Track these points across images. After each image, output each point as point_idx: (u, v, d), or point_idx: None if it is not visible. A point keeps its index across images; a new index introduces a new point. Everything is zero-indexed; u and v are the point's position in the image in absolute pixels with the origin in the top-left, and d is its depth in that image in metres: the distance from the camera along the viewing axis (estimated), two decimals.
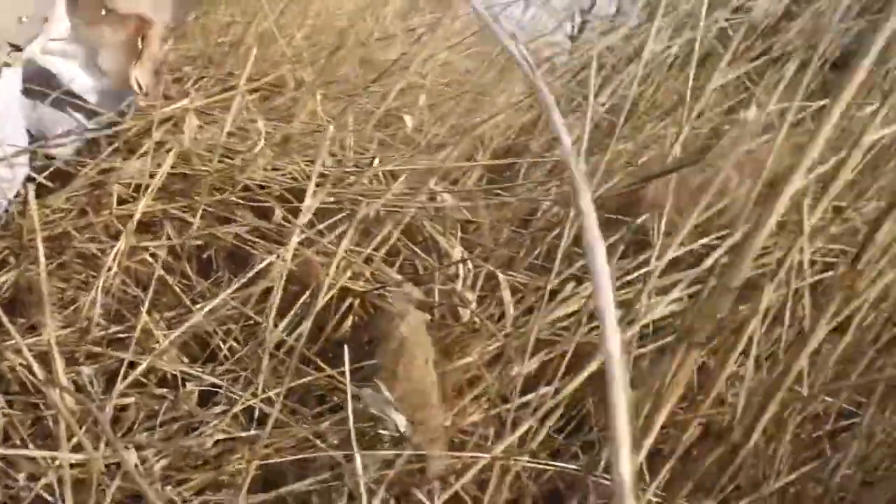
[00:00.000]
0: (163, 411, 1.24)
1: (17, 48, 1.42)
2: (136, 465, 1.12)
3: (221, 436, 1.15)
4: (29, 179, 1.49)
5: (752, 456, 0.91)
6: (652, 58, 1.81)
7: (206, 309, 1.33)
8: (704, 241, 1.41)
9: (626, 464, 0.23)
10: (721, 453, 0.85)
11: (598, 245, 0.28)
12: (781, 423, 0.99)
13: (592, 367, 0.98)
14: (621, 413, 0.24)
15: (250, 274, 1.39)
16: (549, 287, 1.30)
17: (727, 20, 1.71)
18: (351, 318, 1.60)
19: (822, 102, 1.51)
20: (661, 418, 0.75)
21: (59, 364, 0.97)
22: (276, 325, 1.33)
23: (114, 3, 1.49)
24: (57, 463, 1.01)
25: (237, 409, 1.19)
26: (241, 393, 1.24)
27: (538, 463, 1.03)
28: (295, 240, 1.27)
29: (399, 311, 1.13)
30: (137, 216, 1.38)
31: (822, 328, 0.82)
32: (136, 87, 1.53)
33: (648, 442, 0.75)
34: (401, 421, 1.16)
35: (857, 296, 0.90)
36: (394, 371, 1.14)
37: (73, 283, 1.49)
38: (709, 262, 1.12)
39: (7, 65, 1.40)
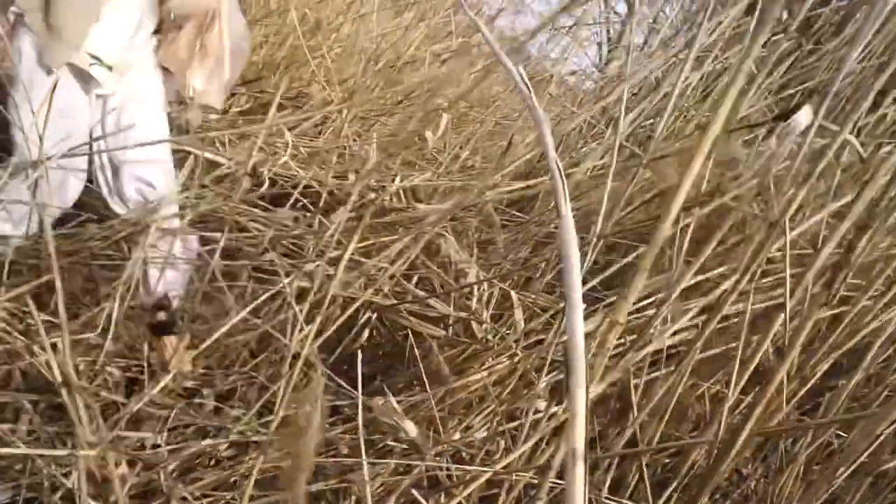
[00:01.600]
0: (178, 414, 1.27)
1: (98, 59, 1.46)
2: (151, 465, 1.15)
3: (235, 438, 1.17)
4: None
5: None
6: (673, 88, 1.83)
7: (229, 324, 1.35)
8: (721, 269, 1.42)
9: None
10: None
11: (573, 253, 0.31)
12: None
13: (597, 389, 0.99)
14: (580, 417, 0.26)
15: (272, 290, 1.42)
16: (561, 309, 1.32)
17: None
18: (368, 331, 1.62)
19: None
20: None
21: (69, 364, 1.01)
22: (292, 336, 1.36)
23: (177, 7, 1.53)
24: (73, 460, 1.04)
25: (251, 413, 1.22)
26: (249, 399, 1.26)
27: (535, 479, 1.03)
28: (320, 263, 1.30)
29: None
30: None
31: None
32: (190, 91, 1.57)
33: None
34: (412, 430, 1.17)
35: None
36: None
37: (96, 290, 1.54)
38: (717, 291, 1.12)
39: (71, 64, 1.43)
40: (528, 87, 0.42)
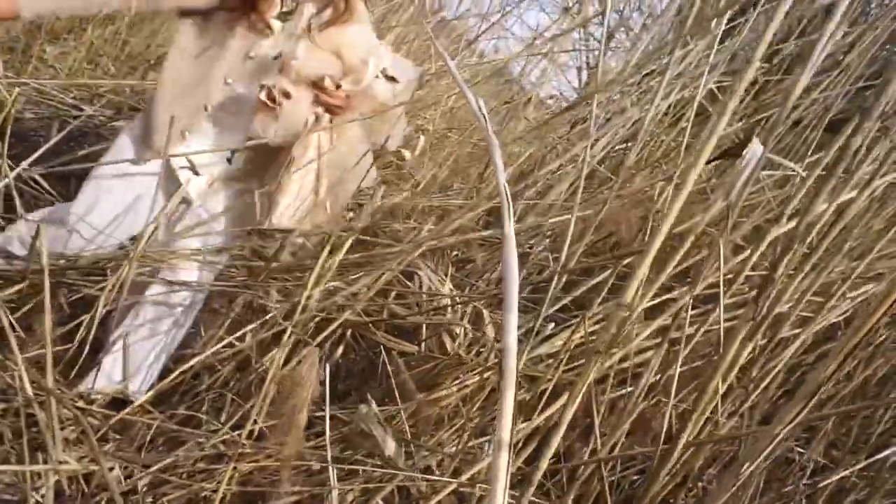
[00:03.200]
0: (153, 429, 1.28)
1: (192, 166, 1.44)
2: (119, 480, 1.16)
3: (206, 452, 1.19)
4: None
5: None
6: (644, 114, 1.90)
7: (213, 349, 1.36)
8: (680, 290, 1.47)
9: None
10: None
11: (512, 265, 0.34)
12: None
13: (563, 400, 1.02)
14: (507, 409, 0.29)
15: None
16: (535, 326, 1.35)
17: (717, 82, 1.80)
18: (343, 347, 1.65)
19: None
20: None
21: (50, 377, 1.02)
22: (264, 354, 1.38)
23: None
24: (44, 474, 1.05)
25: (225, 428, 1.23)
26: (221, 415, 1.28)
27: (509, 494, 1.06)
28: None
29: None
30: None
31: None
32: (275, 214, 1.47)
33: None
34: (390, 445, 1.19)
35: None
36: None
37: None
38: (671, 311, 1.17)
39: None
40: (480, 110, 0.46)
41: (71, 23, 2.37)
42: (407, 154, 1.58)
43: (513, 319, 0.32)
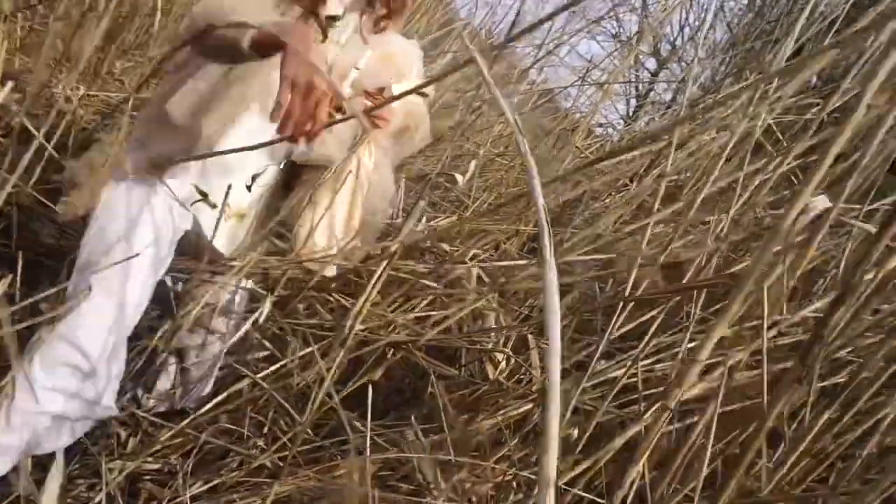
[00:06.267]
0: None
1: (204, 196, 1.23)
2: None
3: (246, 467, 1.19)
4: None
5: None
6: (699, 147, 1.87)
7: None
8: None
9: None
10: None
11: (553, 295, 0.33)
12: None
13: (618, 442, 1.00)
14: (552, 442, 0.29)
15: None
16: (588, 358, 1.33)
17: (774, 118, 1.77)
18: (385, 367, 1.65)
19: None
20: None
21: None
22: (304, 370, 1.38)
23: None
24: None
25: (269, 452, 1.24)
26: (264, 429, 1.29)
27: None
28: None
29: None
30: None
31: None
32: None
33: None
34: (429, 472, 1.18)
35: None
36: None
37: None
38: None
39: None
40: (521, 132, 0.45)
41: (138, 38, 2.46)
42: (459, 177, 1.58)
43: (556, 354, 0.31)
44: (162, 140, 1.22)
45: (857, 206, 1.58)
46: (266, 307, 1.30)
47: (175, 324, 1.24)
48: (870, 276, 0.83)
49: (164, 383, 1.35)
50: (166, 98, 1.21)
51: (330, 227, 1.35)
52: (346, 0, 1.32)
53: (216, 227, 1.25)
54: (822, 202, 0.86)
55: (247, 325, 1.32)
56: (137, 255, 1.10)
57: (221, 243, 1.31)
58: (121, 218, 1.14)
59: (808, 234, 0.89)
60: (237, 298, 1.39)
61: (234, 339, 1.37)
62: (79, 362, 1.04)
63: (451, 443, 1.28)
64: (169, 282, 1.31)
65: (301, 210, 1.32)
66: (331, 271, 1.37)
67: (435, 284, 1.44)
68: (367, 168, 1.34)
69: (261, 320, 1.33)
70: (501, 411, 1.31)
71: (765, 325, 0.92)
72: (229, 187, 1.22)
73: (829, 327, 0.71)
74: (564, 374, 1.49)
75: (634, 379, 1.12)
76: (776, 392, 0.75)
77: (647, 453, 0.96)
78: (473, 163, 1.71)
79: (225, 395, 1.25)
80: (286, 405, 1.25)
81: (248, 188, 1.28)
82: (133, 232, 1.13)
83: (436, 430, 1.33)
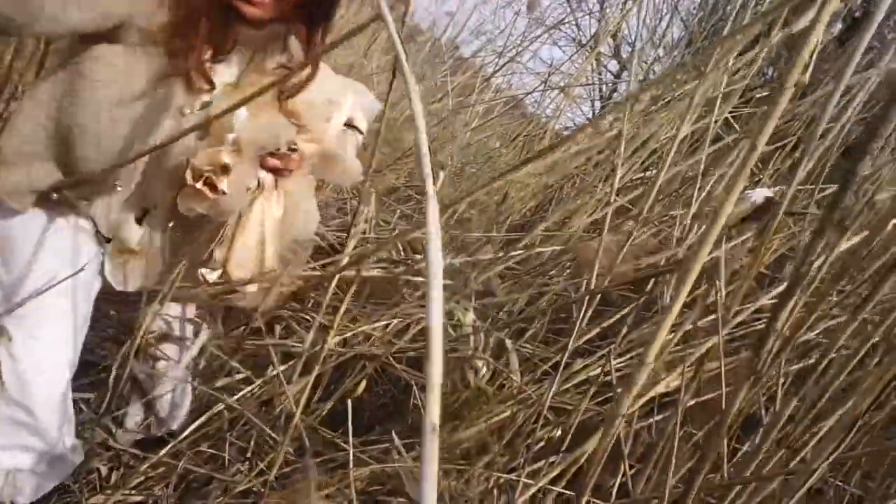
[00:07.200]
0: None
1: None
2: None
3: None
4: None
5: None
6: (662, 143, 1.90)
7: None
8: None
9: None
10: None
11: (433, 229, 0.34)
12: None
13: (591, 443, 1.01)
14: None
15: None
16: (562, 358, 1.34)
17: (732, 110, 1.81)
18: (366, 381, 1.64)
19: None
20: None
21: None
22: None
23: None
24: None
25: (251, 476, 1.23)
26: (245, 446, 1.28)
27: None
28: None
29: None
30: None
31: None
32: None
33: None
34: (413, 486, 1.18)
35: None
36: None
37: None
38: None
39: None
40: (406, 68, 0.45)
41: None
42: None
43: (438, 297, 0.32)
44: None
45: (811, 187, 1.62)
46: (203, 337, 1.29)
47: (124, 350, 1.21)
48: (819, 262, 0.85)
49: (134, 416, 1.33)
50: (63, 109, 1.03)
51: (248, 259, 1.21)
52: (238, 68, 1.11)
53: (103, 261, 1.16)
54: (760, 193, 0.89)
55: (193, 351, 1.30)
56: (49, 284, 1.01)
57: (118, 280, 1.17)
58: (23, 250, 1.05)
59: (757, 224, 0.92)
60: (185, 325, 1.34)
61: (186, 363, 1.33)
62: (21, 416, 0.99)
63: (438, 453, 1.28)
64: None
65: (209, 248, 1.19)
66: (252, 301, 1.25)
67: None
68: (275, 217, 1.19)
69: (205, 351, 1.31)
70: (483, 417, 1.32)
71: (720, 317, 0.94)
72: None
73: (780, 318, 0.73)
74: (543, 375, 1.50)
75: (610, 377, 1.13)
76: (735, 384, 0.77)
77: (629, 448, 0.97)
78: (442, 173, 1.72)
79: (204, 418, 1.24)
80: (265, 428, 1.24)
81: (139, 221, 1.14)
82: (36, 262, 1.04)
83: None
